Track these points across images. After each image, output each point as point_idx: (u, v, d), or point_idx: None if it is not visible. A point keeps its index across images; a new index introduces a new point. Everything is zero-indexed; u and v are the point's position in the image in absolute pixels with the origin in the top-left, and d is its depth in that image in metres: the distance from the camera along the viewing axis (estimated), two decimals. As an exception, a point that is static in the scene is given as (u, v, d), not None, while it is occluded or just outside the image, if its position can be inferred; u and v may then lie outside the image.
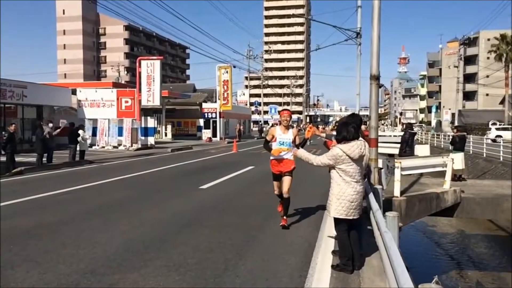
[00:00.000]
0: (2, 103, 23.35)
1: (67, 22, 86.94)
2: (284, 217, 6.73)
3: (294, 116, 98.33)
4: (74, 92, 28.96)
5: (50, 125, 17.13)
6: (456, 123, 44.29)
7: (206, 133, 41.10)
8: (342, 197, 4.67)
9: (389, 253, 3.07)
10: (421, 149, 16.71)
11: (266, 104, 79.04)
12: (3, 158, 14.44)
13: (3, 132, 15.14)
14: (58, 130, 17.13)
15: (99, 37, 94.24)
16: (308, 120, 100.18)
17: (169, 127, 40.08)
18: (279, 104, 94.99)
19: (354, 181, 4.70)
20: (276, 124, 7.65)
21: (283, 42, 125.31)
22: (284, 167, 6.51)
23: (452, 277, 11.46)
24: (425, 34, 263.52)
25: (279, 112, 6.79)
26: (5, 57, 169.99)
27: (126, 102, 27.56)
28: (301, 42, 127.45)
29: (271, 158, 6.58)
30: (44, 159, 16.08)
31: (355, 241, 4.85)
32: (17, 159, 14.78)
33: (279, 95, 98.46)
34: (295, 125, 40.40)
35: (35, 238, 6.07)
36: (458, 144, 13.66)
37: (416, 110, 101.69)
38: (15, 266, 4.86)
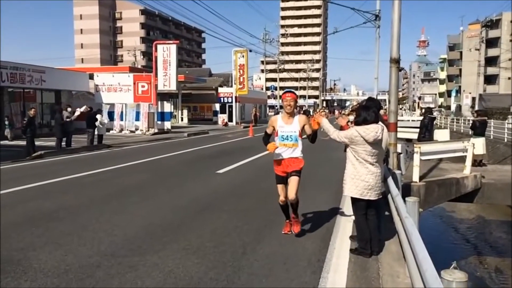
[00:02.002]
0: (22, 87, 23.69)
1: (84, 7, 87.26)
2: (295, 218, 5.44)
3: (310, 101, 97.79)
4: (91, 76, 29.18)
5: (69, 109, 17.32)
6: (476, 107, 43.37)
7: (222, 118, 41.12)
8: (356, 177, 4.71)
9: (410, 239, 3.03)
10: (440, 134, 16.47)
11: (282, 88, 78.34)
12: (24, 142, 14.71)
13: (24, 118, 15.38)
14: (77, 114, 17.30)
15: (116, 21, 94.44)
16: (324, 105, 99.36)
17: (185, 111, 40.21)
18: (295, 88, 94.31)
19: (369, 163, 4.68)
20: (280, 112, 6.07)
21: (299, 26, 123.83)
22: (290, 167, 5.17)
23: (471, 263, 11.35)
24: (445, 16, 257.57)
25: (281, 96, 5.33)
26: (23, 42, 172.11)
27: (143, 86, 27.66)
28: (318, 25, 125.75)
29: (274, 158, 5.28)
30: (63, 143, 16.31)
31: (374, 226, 4.82)
32: (36, 143, 15.02)
33: (295, 79, 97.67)
34: (301, 111, 37.97)
35: (56, 221, 6.18)
36: (478, 129, 13.41)
37: (435, 94, 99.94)
38: (38, 248, 4.97)
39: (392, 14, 7.93)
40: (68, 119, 16.38)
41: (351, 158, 4.81)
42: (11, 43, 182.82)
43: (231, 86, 43.15)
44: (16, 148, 16.12)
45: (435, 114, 27.62)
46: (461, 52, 75.80)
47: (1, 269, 4.30)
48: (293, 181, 5.14)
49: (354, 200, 4.85)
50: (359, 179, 4.69)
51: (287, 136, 5.08)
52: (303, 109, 76.23)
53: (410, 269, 3.08)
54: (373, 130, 4.64)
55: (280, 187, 5.34)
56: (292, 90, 5.36)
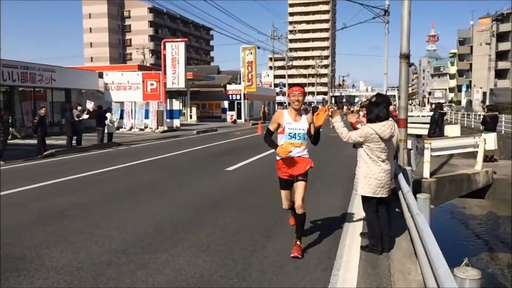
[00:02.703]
0: (32, 87, 23.90)
1: (92, 6, 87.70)
2: (297, 242, 4.66)
3: (319, 97, 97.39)
4: (101, 75, 29.36)
5: (79, 108, 17.46)
6: (487, 102, 42.95)
7: (231, 115, 41.12)
8: (369, 175, 4.65)
9: (422, 236, 3.01)
10: (451, 130, 16.31)
11: (290, 85, 78.25)
12: (35, 141, 14.85)
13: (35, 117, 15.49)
14: (87, 116, 17.41)
15: (124, 20, 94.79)
16: (333, 101, 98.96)
17: (193, 109, 40.30)
18: (304, 85, 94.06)
19: (381, 160, 4.65)
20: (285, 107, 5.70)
21: (307, 22, 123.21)
22: (296, 169, 4.61)
23: (483, 259, 11.23)
24: (455, 11, 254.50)
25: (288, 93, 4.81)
26: (33, 42, 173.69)
27: (152, 84, 27.78)
28: (326, 21, 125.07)
29: (277, 158, 4.67)
30: (74, 141, 16.45)
31: (385, 223, 4.79)
32: (47, 141, 15.16)
33: (304, 75, 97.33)
34: (309, 107, 36.68)
35: (68, 219, 6.24)
36: (489, 124, 13.27)
37: (445, 89, 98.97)
38: (50, 245, 5.01)
39: (401, 9, 7.86)
40: (78, 118, 16.50)
41: (363, 156, 4.73)
42: (21, 43, 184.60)
43: (240, 83, 43.14)
44: (27, 147, 16.29)
45: (445, 109, 27.33)
46: (471, 47, 75.00)
47: (14, 267, 4.36)
48: (300, 187, 4.61)
49: (365, 198, 4.81)
50: (372, 177, 4.64)
51: (295, 134, 4.55)
52: (312, 105, 76.14)
53: (422, 266, 3.06)
54: (388, 127, 4.62)
55: (284, 193, 4.77)
56: (301, 84, 5.24)
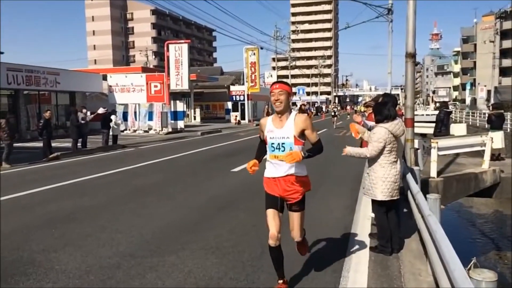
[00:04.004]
0: (37, 90, 23.98)
1: (95, 8, 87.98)
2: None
3: (322, 97, 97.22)
4: (105, 78, 29.43)
5: (84, 110, 17.50)
6: (492, 101, 42.77)
7: (235, 116, 41.10)
8: (387, 179, 4.57)
9: (435, 237, 2.98)
10: (457, 128, 16.24)
11: (294, 85, 78.35)
12: (40, 144, 14.88)
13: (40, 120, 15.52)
14: (92, 116, 17.46)
15: (127, 22, 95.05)
16: (336, 101, 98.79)
17: (197, 110, 40.33)
18: (307, 85, 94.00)
19: (396, 161, 4.60)
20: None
21: (310, 22, 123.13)
22: (288, 192, 3.60)
23: (491, 259, 11.16)
24: (458, 9, 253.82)
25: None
26: (36, 45, 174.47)
27: (155, 86, 27.82)
28: (328, 21, 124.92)
29: (266, 173, 3.72)
30: (79, 144, 16.47)
31: (394, 224, 4.76)
32: (53, 144, 15.19)
33: (307, 75, 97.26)
34: (296, 108, 34.05)
35: (75, 222, 6.23)
36: (495, 123, 13.20)
37: (449, 88, 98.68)
38: (58, 249, 5.01)
39: (407, 9, 7.83)
40: (83, 121, 16.54)
41: (380, 159, 4.60)
42: (25, 46, 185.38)
43: (243, 84, 43.11)
44: (33, 150, 16.33)
45: (450, 108, 27.21)
46: (475, 45, 74.70)
47: (23, 271, 4.35)
48: (297, 219, 3.68)
49: (379, 200, 4.75)
50: (390, 180, 4.56)
51: (279, 144, 3.53)
52: (315, 105, 76.03)
53: (435, 267, 3.03)
54: (401, 125, 4.65)
55: (271, 213, 3.64)
56: (284, 80, 3.98)
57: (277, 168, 3.59)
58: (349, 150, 4.67)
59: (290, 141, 3.51)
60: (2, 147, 13.11)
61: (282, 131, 3.54)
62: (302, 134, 3.55)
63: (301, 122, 3.53)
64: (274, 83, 3.69)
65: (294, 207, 3.66)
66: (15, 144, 13.36)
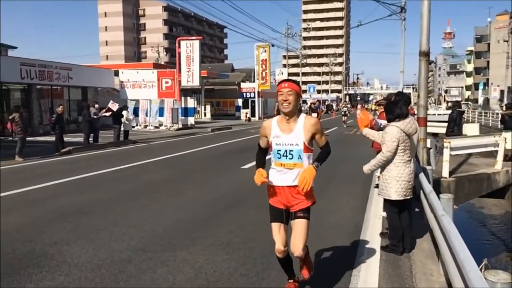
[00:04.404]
0: (50, 85, 24.21)
1: (108, 4, 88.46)
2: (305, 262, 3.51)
3: (333, 95, 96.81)
4: (116, 73, 29.60)
5: (97, 106, 17.62)
6: (505, 101, 42.20)
7: (245, 113, 41.11)
8: (401, 178, 4.53)
9: (449, 237, 2.95)
10: (470, 128, 16.08)
11: (304, 83, 78.13)
12: (52, 138, 15.03)
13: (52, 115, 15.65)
14: (104, 111, 17.58)
15: (139, 18, 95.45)
16: (347, 99, 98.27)
17: (208, 107, 40.41)
18: (318, 83, 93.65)
19: (410, 160, 4.57)
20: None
21: (322, 19, 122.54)
22: (294, 201, 3.32)
23: (502, 260, 11.05)
24: (472, 7, 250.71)
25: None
26: (50, 40, 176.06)
27: (167, 82, 27.92)
28: (340, 18, 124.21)
29: (268, 181, 3.35)
30: (91, 139, 16.61)
31: (406, 224, 4.72)
32: (65, 139, 15.33)
33: (318, 73, 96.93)
34: (306, 106, 31.53)
35: (87, 216, 6.29)
36: (508, 123, 13.04)
37: (462, 87, 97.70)
38: (70, 242, 5.06)
39: (421, 7, 7.75)
40: (95, 116, 16.66)
41: (395, 158, 4.54)
42: (38, 42, 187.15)
43: (254, 81, 43.11)
44: (45, 144, 16.50)
45: (462, 107, 26.92)
46: (488, 44, 73.84)
47: (36, 263, 4.40)
48: (300, 227, 3.27)
49: (392, 200, 4.70)
50: (404, 180, 4.52)
51: (286, 151, 3.24)
52: (326, 103, 75.69)
53: (449, 268, 3.00)
54: (413, 123, 4.62)
55: (276, 227, 3.36)
56: (293, 79, 3.62)
57: (283, 176, 3.31)
58: (368, 167, 4.65)
59: (299, 148, 3.22)
60: (15, 141, 13.30)
61: (290, 137, 3.24)
62: (311, 140, 3.28)
63: (311, 126, 3.25)
64: (282, 81, 3.36)
65: (299, 214, 3.30)
66: (28, 138, 13.51)
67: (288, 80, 3.41)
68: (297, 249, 3.26)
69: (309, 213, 3.35)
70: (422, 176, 5.39)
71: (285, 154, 3.25)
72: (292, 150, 3.23)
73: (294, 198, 3.30)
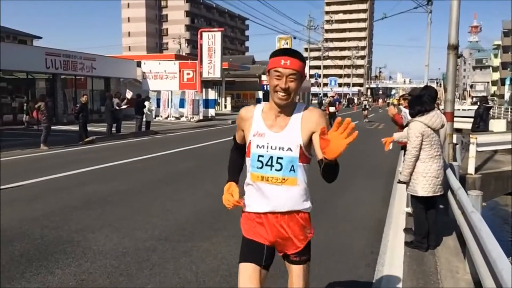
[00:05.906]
0: (74, 74, 24.60)
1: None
2: None
3: (355, 89, 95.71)
4: (138, 64, 29.86)
5: (121, 97, 17.85)
6: (533, 97, 41.01)
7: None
8: (428, 174, 4.44)
9: (480, 235, 2.88)
10: (496, 125, 15.68)
11: (326, 76, 77.47)
12: (76, 127, 15.29)
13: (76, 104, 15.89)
14: (125, 101, 17.79)
15: (161, 9, 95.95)
16: (368, 93, 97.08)
17: (228, 99, 40.46)
18: (339, 76, 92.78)
19: (438, 155, 4.47)
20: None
21: (345, 12, 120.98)
22: (284, 235, 2.21)
23: (527, 260, 10.82)
24: (500, 1, 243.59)
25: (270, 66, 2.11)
26: (74, 31, 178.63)
27: (188, 74, 28.00)
28: (364, 11, 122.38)
29: (244, 204, 2.32)
30: (113, 129, 16.84)
31: (433, 221, 4.64)
32: (88, 128, 15.57)
33: (340, 67, 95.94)
34: (327, 99, 26.58)
35: (111, 204, 6.38)
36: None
37: (488, 82, 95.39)
38: (95, 230, 5.14)
39: (451, -2, 7.56)
40: (118, 106, 16.87)
41: (421, 154, 4.46)
42: (62, 33, 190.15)
43: (275, 74, 42.87)
44: (69, 133, 16.80)
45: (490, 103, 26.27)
46: (517, 38, 71.76)
47: (63, 249, 4.49)
48: (297, 275, 2.25)
49: (419, 197, 4.61)
50: (432, 175, 4.42)
51: (271, 158, 2.14)
52: (347, 97, 74.90)
53: (478, 266, 2.94)
54: (438, 117, 4.46)
55: (248, 270, 2.17)
56: (296, 50, 2.14)
57: (266, 196, 2.17)
58: (404, 175, 4.58)
59: (292, 154, 2.11)
60: (40, 129, 13.57)
61: (281, 137, 2.13)
62: (309, 143, 2.13)
63: (312, 122, 2.11)
64: (280, 53, 2.10)
65: (295, 258, 2.25)
66: (52, 127, 13.77)
67: (289, 52, 2.11)
68: None
69: (310, 251, 2.28)
70: (449, 172, 5.29)
71: (269, 163, 2.13)
72: (281, 157, 2.12)
73: (284, 226, 2.17)
